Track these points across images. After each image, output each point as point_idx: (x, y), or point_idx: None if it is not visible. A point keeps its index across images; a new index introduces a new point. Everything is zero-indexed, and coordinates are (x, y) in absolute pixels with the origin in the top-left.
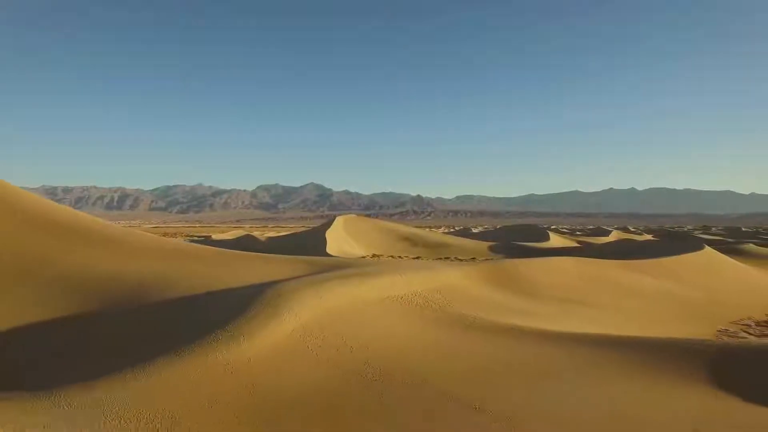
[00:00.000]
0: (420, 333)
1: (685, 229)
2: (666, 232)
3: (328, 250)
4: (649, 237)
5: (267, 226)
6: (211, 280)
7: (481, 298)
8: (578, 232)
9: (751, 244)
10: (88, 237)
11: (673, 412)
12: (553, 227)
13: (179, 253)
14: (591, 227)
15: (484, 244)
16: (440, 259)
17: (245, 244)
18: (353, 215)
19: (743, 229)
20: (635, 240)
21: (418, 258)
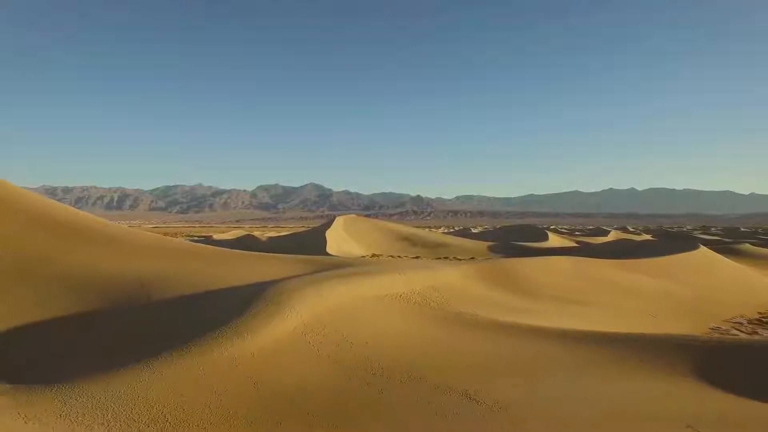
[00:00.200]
0: (418, 330)
1: (685, 229)
2: (664, 232)
3: (328, 249)
4: (647, 237)
5: (267, 226)
6: (213, 278)
7: (479, 297)
8: (577, 233)
9: (747, 244)
10: (90, 236)
11: (666, 407)
12: (552, 227)
13: (181, 252)
14: (590, 227)
15: (484, 244)
16: (439, 258)
17: (246, 244)
18: (353, 215)
19: (742, 229)
20: (633, 240)
21: (417, 258)
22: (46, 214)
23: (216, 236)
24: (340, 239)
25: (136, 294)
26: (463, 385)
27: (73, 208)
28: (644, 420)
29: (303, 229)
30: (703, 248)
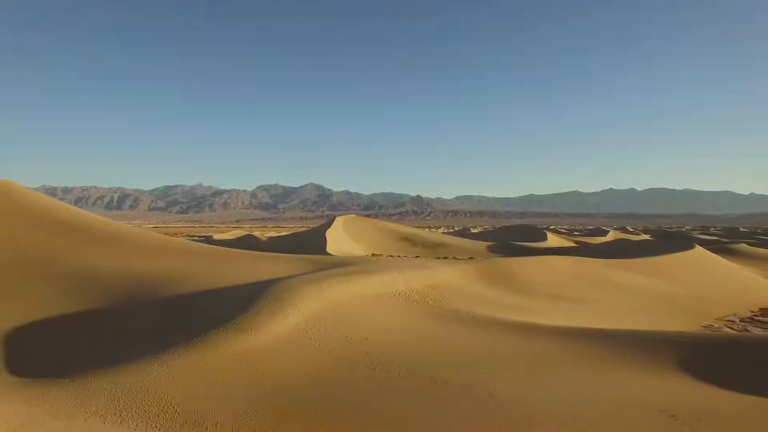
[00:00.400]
0: (417, 327)
1: (684, 229)
2: (662, 233)
3: (328, 249)
4: (645, 237)
5: (267, 227)
6: (216, 277)
7: (476, 295)
8: (576, 233)
9: (743, 244)
10: (92, 235)
11: (653, 399)
12: (551, 228)
13: (183, 251)
14: (590, 228)
15: (483, 244)
16: (439, 258)
17: (246, 243)
18: (353, 215)
19: (741, 229)
20: (630, 240)
21: (417, 258)
22: (49, 213)
23: (216, 236)
24: (340, 239)
25: (140, 292)
26: (459, 379)
27: (75, 207)
28: (632, 411)
29: (303, 229)
30: (698, 248)
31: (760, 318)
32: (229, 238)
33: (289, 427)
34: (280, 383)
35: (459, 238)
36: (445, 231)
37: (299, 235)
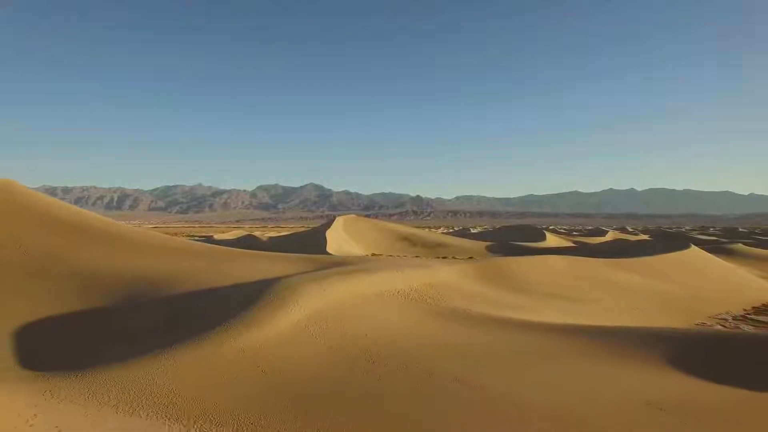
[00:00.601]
0: (415, 324)
1: (683, 229)
2: (661, 233)
3: (329, 249)
4: (644, 237)
5: (267, 227)
6: (219, 275)
7: (474, 294)
8: (575, 233)
9: (740, 244)
10: (95, 235)
11: (640, 392)
12: (551, 228)
13: (185, 250)
14: (589, 228)
15: (482, 244)
16: (438, 258)
17: (247, 243)
18: (353, 215)
19: (740, 229)
20: (628, 240)
21: (417, 257)
22: (51, 213)
23: (217, 236)
24: (340, 239)
25: (144, 290)
26: (455, 372)
27: (76, 207)
28: (624, 404)
29: (303, 229)
30: (694, 248)
31: (753, 316)
32: (230, 238)
33: (292, 419)
34: (284, 376)
35: (458, 238)
36: (445, 231)
37: (299, 235)
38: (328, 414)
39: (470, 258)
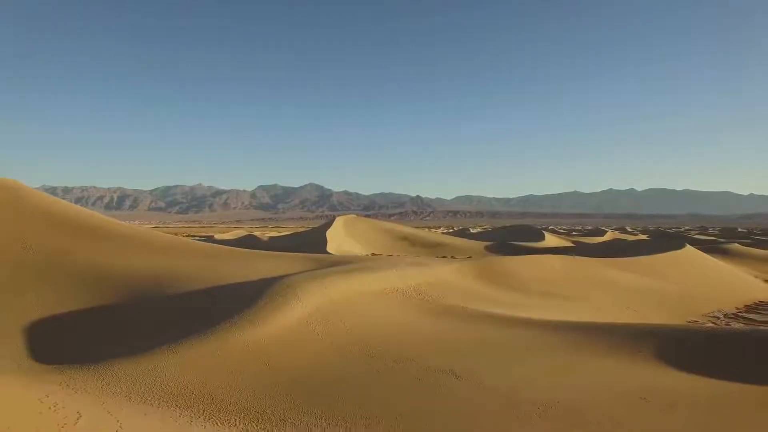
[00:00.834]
0: (413, 320)
1: (682, 229)
2: (660, 233)
3: (329, 249)
4: (642, 237)
5: (267, 227)
6: (223, 274)
7: (471, 292)
8: (575, 233)
9: (736, 244)
10: (100, 234)
11: (625, 383)
12: (551, 228)
13: (190, 249)
14: (589, 228)
15: (481, 244)
16: (437, 257)
17: (248, 243)
18: (353, 216)
19: (739, 229)
20: (626, 240)
21: (416, 257)
22: (57, 213)
23: (217, 236)
24: (340, 239)
25: (150, 287)
26: (450, 366)
27: (79, 206)
28: (610, 395)
29: (303, 229)
30: (688, 247)
31: (744, 314)
32: (231, 238)
33: (296, 408)
34: (287, 370)
35: (458, 238)
36: (445, 231)
37: (300, 234)
38: (330, 404)
39: (469, 257)
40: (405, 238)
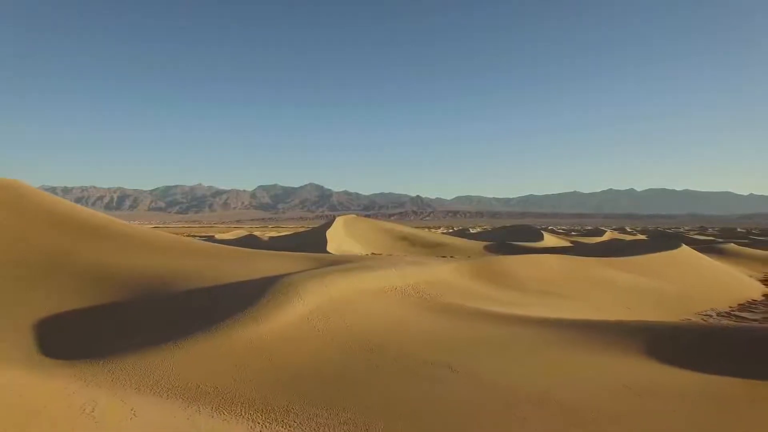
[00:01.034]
0: (412, 318)
1: (682, 230)
2: (658, 233)
3: (329, 248)
4: (641, 237)
5: (267, 227)
6: (225, 273)
7: (469, 290)
8: (574, 233)
9: (732, 244)
10: (102, 233)
11: (613, 374)
12: (550, 228)
13: (192, 249)
14: (588, 228)
15: (480, 244)
16: (437, 257)
17: (248, 243)
18: (353, 215)
19: (738, 229)
20: (624, 240)
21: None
22: (60, 212)
23: (218, 236)
24: (340, 239)
25: (155, 285)
26: (447, 361)
27: (80, 206)
28: (601, 387)
29: (303, 229)
30: (684, 247)
31: (737, 312)
32: (231, 238)
33: (299, 399)
34: (289, 366)
35: (457, 238)
36: (444, 231)
37: (300, 234)
38: (332, 395)
39: (468, 257)
40: (405, 238)
